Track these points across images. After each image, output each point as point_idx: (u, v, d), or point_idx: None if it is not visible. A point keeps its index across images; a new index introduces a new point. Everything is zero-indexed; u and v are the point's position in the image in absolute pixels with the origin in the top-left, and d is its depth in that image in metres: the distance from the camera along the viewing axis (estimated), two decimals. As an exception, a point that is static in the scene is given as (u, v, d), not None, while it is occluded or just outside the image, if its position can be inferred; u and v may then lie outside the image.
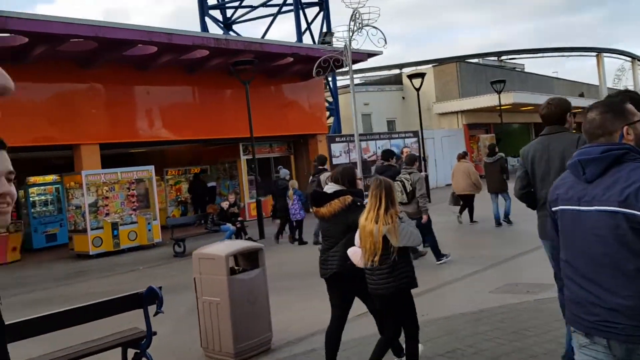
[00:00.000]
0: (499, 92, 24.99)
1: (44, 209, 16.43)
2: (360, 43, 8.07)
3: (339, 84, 33.59)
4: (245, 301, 5.18)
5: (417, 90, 19.14)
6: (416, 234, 4.04)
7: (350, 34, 7.23)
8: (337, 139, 21.57)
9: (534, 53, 45.23)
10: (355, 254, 4.14)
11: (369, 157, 22.64)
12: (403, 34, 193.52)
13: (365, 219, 3.95)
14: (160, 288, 4.71)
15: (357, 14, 7.13)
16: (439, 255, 8.55)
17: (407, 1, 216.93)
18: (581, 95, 40.00)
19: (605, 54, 46.58)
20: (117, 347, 4.77)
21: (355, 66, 23.42)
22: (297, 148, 21.00)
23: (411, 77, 19.29)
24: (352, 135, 22.59)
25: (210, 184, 19.83)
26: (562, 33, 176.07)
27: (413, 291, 4.19)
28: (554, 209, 2.29)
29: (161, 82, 15.62)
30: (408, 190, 8.12)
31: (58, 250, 14.91)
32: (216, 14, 26.31)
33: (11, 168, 1.29)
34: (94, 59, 13.47)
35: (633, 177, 1.96)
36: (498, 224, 11.70)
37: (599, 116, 2.16)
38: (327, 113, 25.55)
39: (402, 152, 10.82)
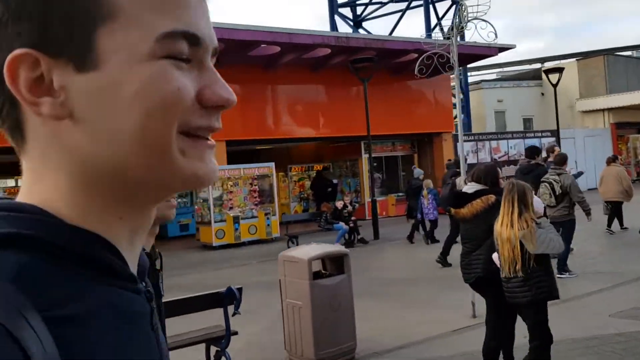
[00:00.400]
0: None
1: (179, 200, 17.66)
2: (469, 37, 7.43)
3: (471, 79, 32.30)
4: (328, 307, 5.05)
5: (554, 86, 17.66)
6: (556, 240, 3.83)
7: (456, 29, 6.70)
8: (464, 138, 20.67)
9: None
10: (497, 259, 4.01)
11: (499, 157, 21.43)
12: (555, 26, 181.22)
13: (500, 225, 3.83)
14: (240, 289, 4.73)
15: (463, 7, 6.62)
16: (562, 268, 7.84)
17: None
18: None
19: None
20: (202, 342, 4.89)
21: (489, 60, 22.28)
22: (421, 147, 20.46)
23: (547, 71, 17.86)
24: (480, 134, 21.62)
25: (334, 181, 20.02)
26: None
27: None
28: None
29: (286, 80, 16.02)
30: (557, 193, 7.63)
31: (188, 240, 15.93)
32: (346, 12, 26.51)
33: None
34: (219, 59, 14.11)
35: None
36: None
37: None
38: (456, 110, 24.68)
39: (548, 151, 10.25)
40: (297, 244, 12.18)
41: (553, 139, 23.30)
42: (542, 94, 28.36)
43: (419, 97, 19.25)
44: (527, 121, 27.66)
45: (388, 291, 7.87)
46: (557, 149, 10.32)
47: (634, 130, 27.57)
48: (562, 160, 7.99)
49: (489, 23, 6.79)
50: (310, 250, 5.27)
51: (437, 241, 11.64)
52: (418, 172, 13.20)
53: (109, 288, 0.53)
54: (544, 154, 9.70)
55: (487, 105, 26.12)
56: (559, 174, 7.68)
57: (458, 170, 9.59)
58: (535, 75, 28.94)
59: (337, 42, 14.32)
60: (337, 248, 5.41)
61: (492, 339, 4.28)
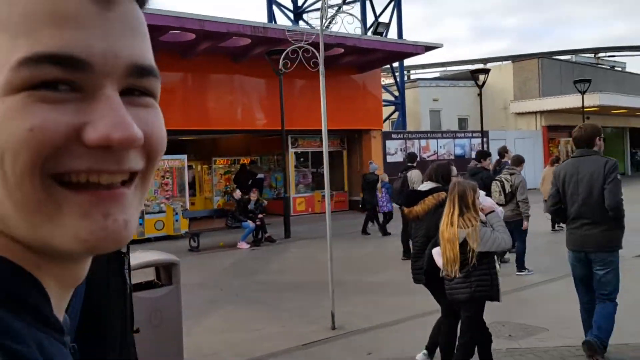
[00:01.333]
0: (582, 93, 22.69)
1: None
2: (337, 29, 7.07)
3: (413, 77, 32.36)
4: (148, 323, 4.57)
5: (480, 87, 17.68)
6: (501, 238, 3.82)
7: (324, 20, 6.32)
8: (393, 136, 20.50)
9: (636, 50, 41.04)
10: (439, 255, 4.00)
11: (428, 156, 21.37)
12: (516, 28, 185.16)
13: (442, 225, 3.85)
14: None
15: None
16: (521, 266, 7.97)
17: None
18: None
19: None
20: None
21: (427, 59, 22.20)
22: (351, 143, 20.18)
23: (474, 72, 17.80)
24: (410, 132, 21.51)
25: (258, 176, 19.51)
26: None
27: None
28: None
29: (207, 70, 15.40)
30: (507, 191, 7.74)
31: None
32: (287, 2, 25.90)
33: (144, 60, 0.53)
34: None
35: None
36: None
37: None
38: (393, 108, 24.53)
39: (501, 153, 10.29)
40: (199, 243, 11.67)
41: (485, 139, 23.48)
42: (479, 94, 28.54)
43: (348, 93, 18.89)
44: (463, 121, 27.81)
45: (263, 298, 7.45)
46: (510, 150, 10.56)
47: (565, 133, 28.09)
48: (518, 161, 8.19)
49: (356, 17, 6.43)
50: (132, 258, 4.75)
51: (389, 234, 12.17)
52: (374, 166, 13.61)
53: (41, 334, 0.44)
54: (496, 156, 10.00)
55: (423, 103, 26.09)
56: (511, 174, 7.75)
57: (411, 164, 9.86)
58: (473, 76, 29.09)
59: (254, 32, 13.77)
60: (164, 256, 4.93)
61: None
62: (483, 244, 3.73)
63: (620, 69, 39.90)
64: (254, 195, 12.59)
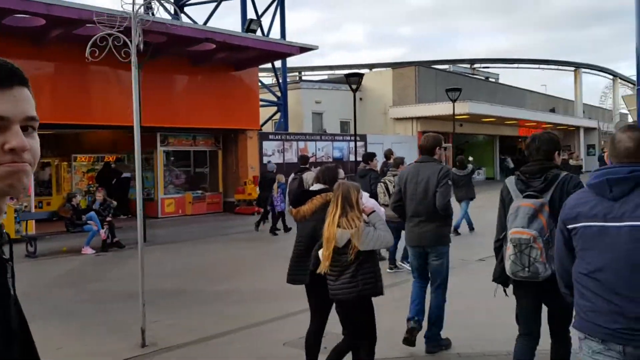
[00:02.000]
0: (453, 101, 23.75)
1: None
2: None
3: (299, 78, 32.27)
4: None
5: (354, 92, 17.82)
6: (383, 236, 3.87)
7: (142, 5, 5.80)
8: (270, 137, 20.20)
9: (509, 63, 44.12)
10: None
11: (306, 159, 21.30)
12: (412, 37, 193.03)
13: (325, 224, 3.87)
14: None
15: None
16: (394, 262, 8.47)
17: (420, 3, 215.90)
18: (552, 110, 38.96)
19: (584, 70, 45.59)
20: None
21: (318, 61, 21.99)
22: (227, 143, 19.60)
23: (348, 76, 17.94)
24: (288, 134, 21.34)
25: (124, 175, 18.38)
26: (573, 47, 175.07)
27: None
28: (571, 226, 2.42)
29: (58, 58, 14.16)
30: (391, 192, 7.80)
31: None
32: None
33: (32, 113, 1.01)
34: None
35: None
36: (471, 228, 12.25)
37: (634, 144, 2.32)
38: (275, 108, 24.25)
39: (387, 156, 10.90)
40: (36, 248, 10.61)
41: (362, 143, 23.87)
42: (361, 98, 29.07)
43: (224, 91, 18.31)
44: (345, 124, 28.16)
45: (82, 310, 6.75)
46: (394, 153, 11.14)
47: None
48: (398, 163, 8.68)
49: (172, 4, 5.95)
50: None
51: (277, 235, 12.78)
52: (272, 166, 14.33)
53: None
54: (382, 159, 10.45)
55: (306, 105, 26.08)
56: (394, 175, 8.00)
57: (303, 166, 10.06)
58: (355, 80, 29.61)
59: (110, 21, 12.76)
60: None
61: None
62: (367, 243, 3.78)
63: (493, 80, 42.57)
64: (99, 195, 11.69)
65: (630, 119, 23.79)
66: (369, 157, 9.49)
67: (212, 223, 16.35)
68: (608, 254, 2.29)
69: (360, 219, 3.82)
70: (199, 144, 18.96)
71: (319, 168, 4.86)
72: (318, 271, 3.90)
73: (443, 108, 25.55)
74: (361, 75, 18.03)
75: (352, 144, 23.17)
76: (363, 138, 24.11)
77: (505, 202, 3.49)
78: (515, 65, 44.34)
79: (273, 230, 12.99)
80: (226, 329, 5.89)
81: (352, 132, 27.20)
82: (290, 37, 20.28)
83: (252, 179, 18.54)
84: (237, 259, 10.62)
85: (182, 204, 18.21)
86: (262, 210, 14.31)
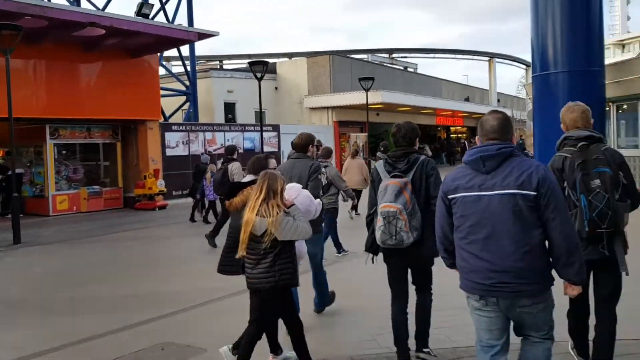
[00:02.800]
0: (366, 90, 23.61)
1: None
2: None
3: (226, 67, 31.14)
4: None
5: (259, 80, 17.20)
6: (302, 227, 3.85)
7: None
8: (173, 127, 19.26)
9: (426, 53, 44.84)
10: None
11: (215, 150, 20.52)
12: (348, 28, 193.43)
13: (246, 209, 3.88)
14: None
15: None
16: (340, 248, 8.77)
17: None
18: (466, 99, 39.86)
19: (498, 60, 46.98)
20: None
21: (209, 47, 21.13)
22: (127, 135, 18.50)
23: (252, 64, 17.28)
24: (193, 124, 20.47)
25: (18, 171, 16.91)
26: (494, 39, 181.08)
27: None
28: (452, 196, 2.84)
29: None
30: (323, 183, 7.85)
31: None
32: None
33: None
34: None
35: (523, 167, 2.68)
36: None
37: (498, 122, 2.82)
38: (184, 98, 23.23)
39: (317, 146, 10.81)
40: None
41: (275, 133, 23.35)
42: (276, 88, 28.52)
43: (121, 80, 17.20)
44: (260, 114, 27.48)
45: None
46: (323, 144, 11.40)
47: (357, 129, 29.31)
48: (328, 153, 8.78)
49: None
50: None
51: (209, 223, 12.70)
52: (205, 157, 14.52)
53: None
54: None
55: (217, 95, 25.21)
56: (325, 166, 8.06)
57: (230, 157, 10.18)
58: (270, 69, 28.95)
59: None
60: None
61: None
62: (285, 233, 3.78)
63: (412, 70, 43.08)
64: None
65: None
66: (231, 150, 9.77)
67: (106, 220, 15.34)
68: (483, 219, 2.70)
69: (281, 208, 3.82)
70: (94, 136, 17.76)
71: (250, 159, 4.95)
72: (237, 256, 3.93)
73: (357, 97, 25.38)
74: (266, 63, 17.40)
75: (265, 134, 22.59)
76: (276, 128, 23.59)
77: (375, 182, 4.06)
78: (432, 55, 45.14)
79: (205, 219, 13.36)
80: (50, 346, 5.18)
81: (268, 122, 26.64)
82: (220, 28, 19.35)
83: (152, 172, 17.60)
84: (115, 260, 9.82)
85: (76, 201, 17.02)
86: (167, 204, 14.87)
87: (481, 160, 2.73)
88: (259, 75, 17.14)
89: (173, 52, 22.67)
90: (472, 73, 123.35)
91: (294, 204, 3.98)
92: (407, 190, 3.85)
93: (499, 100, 46.07)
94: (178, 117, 23.13)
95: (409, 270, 4.15)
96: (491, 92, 46.89)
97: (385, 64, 37.02)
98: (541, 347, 2.80)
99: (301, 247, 4.39)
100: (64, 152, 17.19)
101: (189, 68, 22.84)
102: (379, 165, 4.09)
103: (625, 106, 16.12)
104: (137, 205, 17.54)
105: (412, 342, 4.14)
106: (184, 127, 19.60)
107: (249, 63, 17.61)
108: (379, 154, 13.53)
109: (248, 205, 3.88)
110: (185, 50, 23.16)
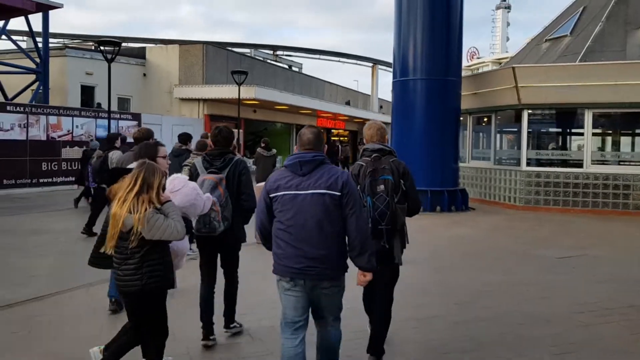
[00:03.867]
0: (239, 84, 22.57)
1: None
2: None
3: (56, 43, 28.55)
4: None
5: (109, 62, 15.58)
6: (174, 226, 3.46)
7: None
8: (8, 108, 16.99)
9: (311, 53, 44.61)
10: None
11: (59, 136, 18.47)
12: (245, 24, 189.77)
13: (115, 199, 3.49)
14: None
15: None
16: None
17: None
18: (347, 103, 40.10)
19: (380, 66, 47.87)
20: None
21: (107, 31, 18.96)
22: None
23: (101, 43, 15.61)
24: (34, 106, 18.28)
25: None
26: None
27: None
28: (273, 195, 3.30)
29: None
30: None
31: None
32: None
33: None
34: None
35: (332, 172, 3.24)
36: None
37: (313, 135, 3.36)
38: (34, 76, 20.81)
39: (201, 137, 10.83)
40: None
41: (135, 122, 21.59)
42: (145, 74, 26.63)
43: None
44: (124, 101, 25.49)
45: None
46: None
47: (232, 124, 28.10)
48: (203, 146, 8.43)
49: None
50: None
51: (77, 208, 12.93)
52: (94, 144, 14.25)
53: None
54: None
55: (73, 76, 22.93)
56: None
57: (112, 145, 9.80)
58: (139, 54, 27.02)
59: None
60: None
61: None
62: (153, 231, 3.40)
63: (297, 69, 42.64)
64: None
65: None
66: (188, 137, 9.54)
67: None
68: (298, 213, 3.19)
69: (151, 205, 3.43)
70: None
71: (138, 145, 4.73)
72: (101, 250, 3.65)
73: (231, 91, 24.25)
74: (118, 44, 15.80)
75: (122, 123, 20.82)
76: (137, 117, 21.83)
77: (193, 177, 4.46)
78: (317, 56, 44.96)
79: (76, 203, 13.35)
80: None
81: (135, 110, 24.72)
82: (120, 15, 17.22)
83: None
84: None
85: None
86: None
87: (299, 164, 3.24)
88: (109, 57, 15.52)
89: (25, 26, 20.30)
90: (362, 79, 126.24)
91: (169, 200, 3.61)
92: (222, 185, 4.35)
93: (381, 107, 46.96)
94: (26, 98, 20.68)
95: (219, 256, 4.67)
96: (373, 97, 47.71)
97: (267, 60, 36.14)
98: (333, 329, 3.38)
99: (181, 245, 3.90)
100: None
101: (40, 44, 20.56)
102: (198, 162, 4.61)
103: (485, 119, 16.47)
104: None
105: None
106: (22, 108, 17.35)
107: (96, 42, 15.89)
108: (259, 149, 13.23)
109: (117, 197, 3.49)
110: (37, 24, 20.83)
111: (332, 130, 45.23)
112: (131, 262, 3.49)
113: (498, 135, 16.06)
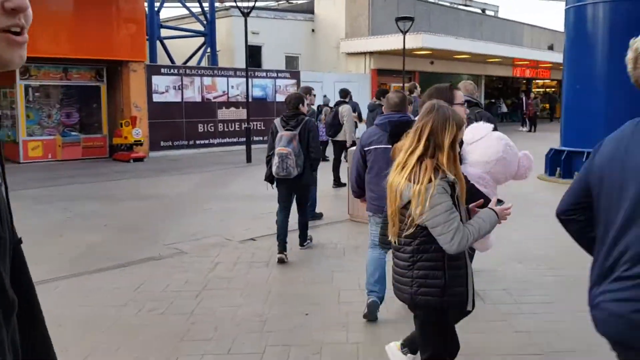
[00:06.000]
0: (404, 32, 20.27)
1: None
2: None
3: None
4: None
5: (245, 16, 14.72)
6: (463, 234, 2.40)
7: None
8: (162, 70, 17.34)
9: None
10: None
11: (215, 97, 18.50)
12: None
13: (393, 168, 2.60)
14: None
15: None
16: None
17: None
18: (550, 47, 34.62)
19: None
20: None
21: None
22: (113, 78, 16.89)
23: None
24: (188, 67, 18.44)
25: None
26: None
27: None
28: (367, 149, 4.19)
29: None
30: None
31: None
32: None
33: None
34: None
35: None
36: None
37: (399, 99, 4.18)
38: (202, 40, 21.27)
39: (410, 90, 11.20)
40: None
41: (294, 81, 20.83)
42: (313, 30, 25.71)
43: (99, 14, 15.48)
44: (293, 60, 24.95)
45: None
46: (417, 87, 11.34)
47: (406, 79, 25.91)
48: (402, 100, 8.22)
49: None
50: None
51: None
52: (326, 99, 14.79)
53: None
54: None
55: (239, 37, 22.91)
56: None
57: (342, 100, 10.74)
58: (308, 9, 26.12)
59: None
60: None
61: None
62: (430, 217, 2.37)
63: (492, 12, 38.10)
64: None
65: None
66: (383, 93, 9.37)
67: (91, 169, 13.93)
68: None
69: (438, 174, 2.40)
70: (73, 78, 16.28)
71: (428, 90, 3.80)
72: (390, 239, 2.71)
73: (397, 41, 22.01)
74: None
75: (279, 82, 20.21)
76: (296, 75, 21.02)
77: (274, 134, 5.81)
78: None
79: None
80: None
81: (303, 68, 24.11)
82: None
83: (129, 120, 15.92)
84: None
85: (51, 147, 15.80)
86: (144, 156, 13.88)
87: (389, 124, 3.98)
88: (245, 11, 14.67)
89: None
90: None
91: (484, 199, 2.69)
92: (296, 140, 5.64)
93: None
94: (193, 61, 21.28)
95: (294, 195, 5.98)
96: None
97: (451, 4, 32.57)
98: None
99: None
100: (37, 94, 15.87)
101: (206, 6, 20.81)
102: (277, 121, 5.85)
103: None
104: (115, 156, 16.04)
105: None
106: (174, 70, 17.61)
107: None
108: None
109: (396, 162, 2.64)
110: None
111: (535, 81, 39.91)
112: (402, 256, 2.57)
113: None
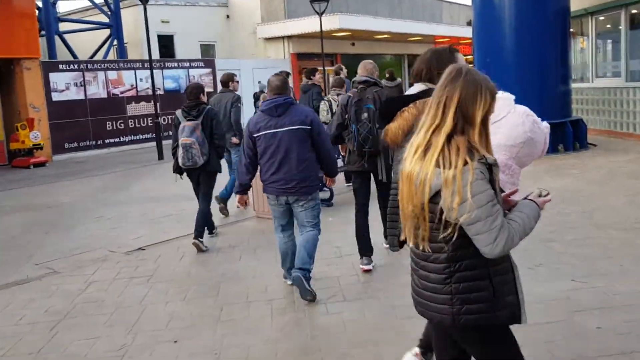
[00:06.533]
0: (320, 14, 19.68)
1: None
2: None
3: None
4: None
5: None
6: (508, 233, 1.88)
7: None
8: (60, 67, 16.02)
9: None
10: None
11: (122, 92, 17.35)
12: None
13: (410, 154, 2.00)
14: None
15: None
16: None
17: None
18: (468, 23, 34.99)
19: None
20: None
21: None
22: (7, 78, 15.42)
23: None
24: (88, 62, 17.20)
25: None
26: None
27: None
28: (256, 135, 4.31)
29: None
30: (334, 111, 7.59)
31: None
32: None
33: None
34: None
35: (300, 111, 4.32)
36: None
37: (280, 82, 4.35)
38: (108, 32, 19.92)
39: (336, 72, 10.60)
40: None
41: (209, 69, 19.91)
42: (228, 16, 24.75)
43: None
44: (209, 48, 23.92)
45: None
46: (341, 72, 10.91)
47: (327, 61, 25.40)
48: (341, 82, 8.11)
49: None
50: None
51: None
52: (262, 85, 14.39)
53: None
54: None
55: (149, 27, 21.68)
56: (338, 94, 7.73)
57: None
58: (221, -7, 25.06)
59: None
60: None
61: None
62: (470, 209, 1.83)
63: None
64: None
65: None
66: (312, 72, 9.29)
67: None
68: (279, 146, 4.23)
69: (475, 155, 1.88)
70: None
71: (419, 57, 2.97)
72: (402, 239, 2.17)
73: (314, 24, 21.42)
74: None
75: (192, 72, 19.25)
76: (210, 64, 20.10)
77: (176, 125, 5.84)
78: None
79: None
80: None
81: (220, 56, 23.15)
82: None
83: (26, 123, 14.61)
84: None
85: None
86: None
87: (275, 107, 4.26)
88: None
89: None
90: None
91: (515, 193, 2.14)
92: (199, 129, 5.72)
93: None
94: (99, 55, 19.94)
95: (199, 182, 6.01)
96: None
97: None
98: (312, 233, 4.36)
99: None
100: None
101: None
102: (178, 112, 5.91)
103: (610, 23, 12.03)
104: (14, 162, 14.71)
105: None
106: (74, 65, 16.33)
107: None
108: (384, 81, 11.23)
109: (410, 146, 2.00)
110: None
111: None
112: (434, 266, 2.00)
113: (630, 41, 11.58)
